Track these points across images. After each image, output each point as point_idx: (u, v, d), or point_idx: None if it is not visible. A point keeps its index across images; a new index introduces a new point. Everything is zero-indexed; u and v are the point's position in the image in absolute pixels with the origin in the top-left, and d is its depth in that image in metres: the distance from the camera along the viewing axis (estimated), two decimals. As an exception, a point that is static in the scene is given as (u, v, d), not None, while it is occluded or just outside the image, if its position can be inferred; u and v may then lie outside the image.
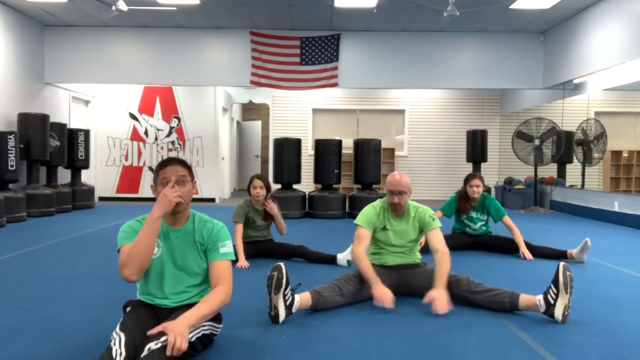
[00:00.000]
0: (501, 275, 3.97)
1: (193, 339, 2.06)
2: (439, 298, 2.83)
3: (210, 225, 2.29)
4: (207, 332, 2.22)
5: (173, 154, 10.31)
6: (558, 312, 2.70)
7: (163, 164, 2.24)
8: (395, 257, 3.27)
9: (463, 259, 4.55)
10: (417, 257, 3.36)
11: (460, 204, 4.74)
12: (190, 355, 2.12)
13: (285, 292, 2.70)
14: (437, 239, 3.15)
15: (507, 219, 4.64)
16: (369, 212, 3.25)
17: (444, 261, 3.01)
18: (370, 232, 3.21)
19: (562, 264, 2.72)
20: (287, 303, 2.72)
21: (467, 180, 4.70)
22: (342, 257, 4.10)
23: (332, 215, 7.84)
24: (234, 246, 4.39)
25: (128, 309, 2.25)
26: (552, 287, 2.73)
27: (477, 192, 4.61)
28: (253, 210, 4.33)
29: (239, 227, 4.23)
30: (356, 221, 3.25)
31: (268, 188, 4.32)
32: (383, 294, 2.89)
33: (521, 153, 8.96)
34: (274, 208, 4.23)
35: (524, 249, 4.53)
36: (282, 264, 2.73)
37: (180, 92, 10.31)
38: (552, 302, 2.72)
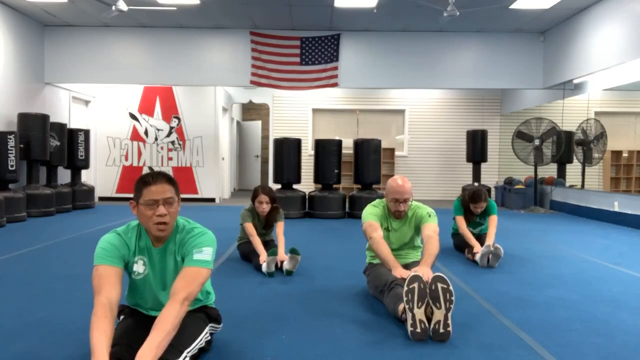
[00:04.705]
0: (502, 275, 3.97)
1: (190, 354, 1.96)
2: (422, 275, 2.67)
3: (191, 234, 2.07)
4: (209, 338, 2.20)
5: (173, 154, 10.32)
6: (432, 328, 2.44)
7: (148, 180, 2.00)
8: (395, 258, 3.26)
9: (463, 258, 4.56)
10: (417, 257, 3.36)
11: (465, 213, 4.71)
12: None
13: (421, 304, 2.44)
14: (431, 228, 3.11)
15: (493, 218, 4.62)
16: (374, 210, 3.26)
17: (432, 243, 2.99)
18: (379, 225, 3.19)
19: (434, 275, 2.50)
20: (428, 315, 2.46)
21: (474, 200, 4.58)
22: (265, 265, 3.86)
23: (332, 215, 7.84)
24: (244, 245, 4.37)
25: (122, 317, 2.18)
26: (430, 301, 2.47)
27: (480, 211, 4.64)
28: (255, 218, 4.33)
29: (249, 226, 4.19)
30: (364, 219, 3.24)
31: (273, 200, 4.28)
32: (402, 276, 2.81)
33: (521, 153, 8.96)
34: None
35: (486, 241, 4.40)
36: (419, 273, 2.53)
37: (180, 92, 10.31)
38: (430, 317, 2.46)
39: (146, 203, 1.99)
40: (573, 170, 9.10)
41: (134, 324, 2.09)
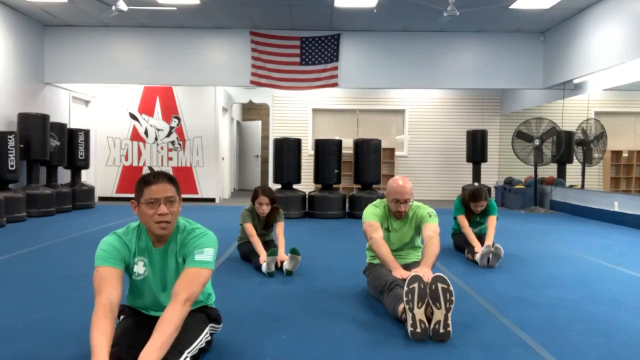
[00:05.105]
0: (502, 275, 3.97)
1: (191, 354, 1.96)
2: (422, 276, 2.60)
3: (192, 235, 2.07)
4: (209, 338, 2.20)
5: (173, 154, 10.33)
6: (432, 328, 2.45)
7: (149, 180, 2.01)
8: (395, 258, 3.25)
9: (463, 258, 4.56)
10: (417, 257, 3.35)
11: (466, 213, 4.71)
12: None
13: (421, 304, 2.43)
14: (432, 228, 3.08)
15: (492, 218, 4.62)
16: (374, 210, 3.25)
17: (432, 244, 2.96)
18: (380, 225, 3.18)
19: (434, 275, 2.49)
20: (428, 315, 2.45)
21: (475, 199, 4.57)
22: (265, 265, 3.85)
23: (332, 215, 7.83)
24: (244, 245, 4.37)
25: (122, 317, 2.18)
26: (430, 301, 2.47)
27: (481, 209, 4.64)
28: (255, 218, 4.33)
29: (249, 226, 4.19)
30: (365, 218, 3.22)
31: (273, 201, 4.28)
32: (402, 276, 2.78)
33: (521, 153, 8.96)
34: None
35: (485, 242, 4.41)
36: (419, 273, 2.53)
37: (180, 92, 10.31)
38: (430, 317, 2.46)
39: (147, 202, 1.99)
40: (573, 170, 9.10)
41: (134, 324, 2.09)
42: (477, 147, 9.71)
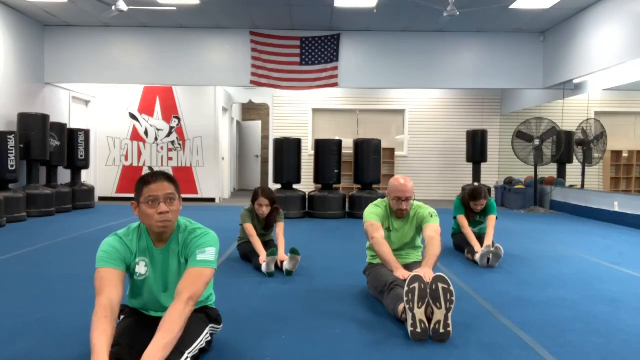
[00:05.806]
0: (502, 275, 3.97)
1: (192, 354, 1.96)
2: (423, 276, 2.57)
3: (193, 235, 2.08)
4: (209, 339, 2.20)
5: (173, 154, 10.33)
6: (432, 328, 2.44)
7: (148, 180, 2.03)
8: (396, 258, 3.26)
9: (463, 258, 4.56)
10: (418, 257, 3.36)
11: (466, 212, 4.71)
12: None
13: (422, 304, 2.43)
14: (433, 228, 3.09)
15: (492, 217, 4.63)
16: (375, 210, 3.25)
17: (433, 244, 2.96)
18: (381, 224, 3.18)
19: (435, 275, 2.50)
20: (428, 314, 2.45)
21: (474, 197, 4.59)
22: (265, 265, 3.85)
23: (332, 215, 7.83)
24: (244, 245, 4.38)
25: (122, 317, 2.18)
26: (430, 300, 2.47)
27: (481, 208, 4.64)
28: (255, 219, 4.33)
29: (249, 227, 4.20)
30: (366, 218, 3.22)
31: (273, 202, 4.28)
32: (404, 277, 2.77)
33: (521, 153, 8.96)
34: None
35: (485, 242, 4.42)
36: (420, 274, 2.52)
37: (180, 92, 10.31)
38: (430, 317, 2.46)
39: (147, 200, 2.00)
40: (573, 170, 9.10)
41: (134, 324, 2.09)
42: (477, 147, 9.71)
